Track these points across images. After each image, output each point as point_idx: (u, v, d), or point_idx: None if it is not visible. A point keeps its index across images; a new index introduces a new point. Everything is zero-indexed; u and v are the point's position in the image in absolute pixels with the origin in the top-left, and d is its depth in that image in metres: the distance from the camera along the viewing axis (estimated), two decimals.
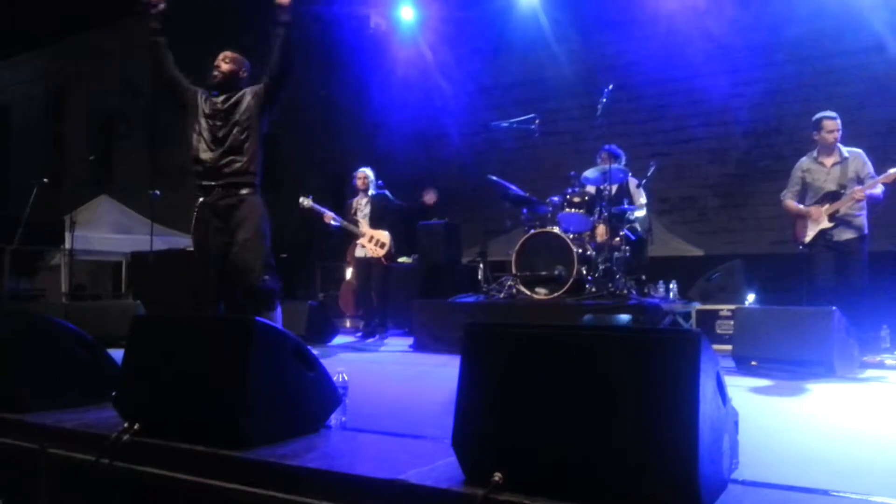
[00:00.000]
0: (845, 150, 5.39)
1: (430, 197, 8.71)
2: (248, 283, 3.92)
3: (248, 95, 4.08)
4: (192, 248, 4.24)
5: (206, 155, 4.00)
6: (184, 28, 4.20)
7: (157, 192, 9.27)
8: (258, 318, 2.38)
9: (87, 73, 16.12)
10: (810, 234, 5.37)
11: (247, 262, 3.93)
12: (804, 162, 5.55)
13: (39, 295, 11.15)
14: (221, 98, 4.08)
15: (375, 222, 7.24)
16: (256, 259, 3.94)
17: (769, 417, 3.13)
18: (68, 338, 3.01)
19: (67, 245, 10.10)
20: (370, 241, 7.19)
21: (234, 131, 4.01)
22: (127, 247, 11.16)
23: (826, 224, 5.29)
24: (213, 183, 4.00)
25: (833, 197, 5.30)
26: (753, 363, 4.48)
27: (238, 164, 4.00)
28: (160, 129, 14.16)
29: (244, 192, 4.02)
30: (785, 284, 6.78)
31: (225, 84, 4.10)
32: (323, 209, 7.12)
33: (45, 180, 8.72)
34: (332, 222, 7.15)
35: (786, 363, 4.35)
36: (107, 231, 11.54)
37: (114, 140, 15.70)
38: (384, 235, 7.19)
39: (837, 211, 5.27)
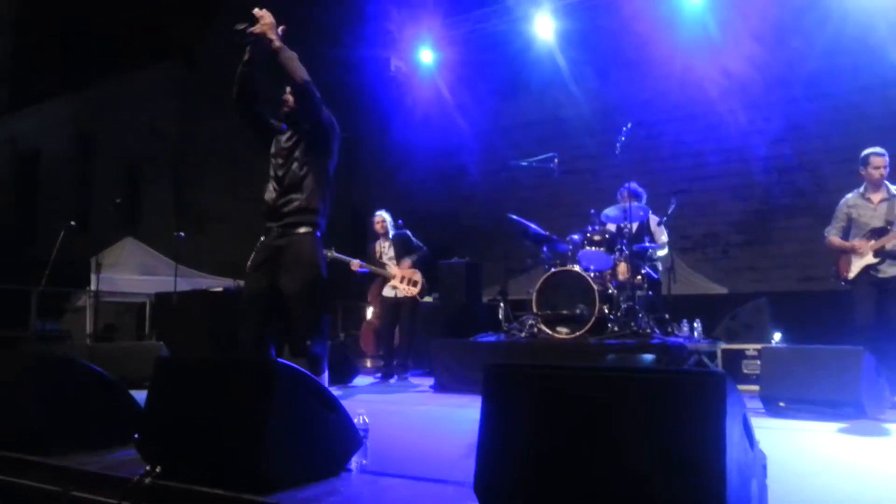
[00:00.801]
0: (893, 187, 5.36)
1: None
2: (294, 345, 3.74)
3: (307, 131, 3.86)
4: (215, 290, 4.17)
5: (269, 196, 3.84)
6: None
7: (182, 234, 9.40)
8: (279, 360, 2.38)
9: (115, 117, 16.53)
10: (854, 270, 5.30)
11: (293, 322, 3.70)
12: (850, 198, 5.50)
13: (65, 336, 11.28)
14: (286, 136, 3.90)
15: (401, 260, 7.27)
16: (301, 319, 3.70)
17: (799, 461, 3.06)
18: (92, 379, 3.03)
19: (93, 287, 10.25)
20: (402, 280, 7.20)
21: (293, 167, 3.81)
22: (151, 288, 11.29)
23: (871, 259, 5.23)
24: (273, 224, 3.82)
25: (879, 233, 5.25)
26: (781, 404, 4.38)
27: (296, 203, 3.78)
28: (186, 172, 14.45)
29: (301, 230, 3.78)
30: (812, 323, 6.68)
31: (291, 117, 3.91)
32: (348, 258, 7.14)
33: (73, 223, 8.88)
34: (359, 269, 7.17)
35: (815, 404, 4.25)
36: (132, 273, 11.69)
37: (140, 183, 16.01)
38: (416, 274, 7.21)
39: (884, 247, 5.20)
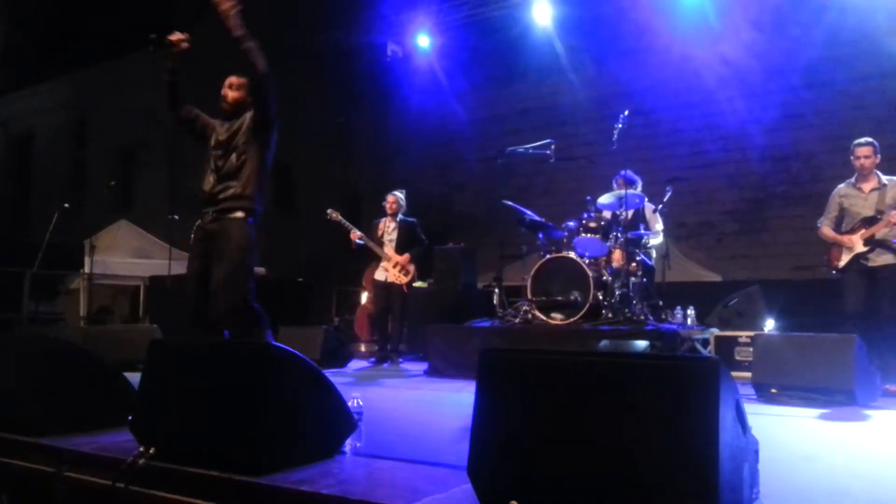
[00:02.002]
0: (885, 177, 5.37)
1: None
2: (221, 325, 3.79)
3: (246, 120, 3.98)
4: None
5: (206, 185, 3.97)
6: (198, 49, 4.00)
7: (176, 217, 9.36)
8: (274, 344, 2.38)
9: (109, 101, 16.42)
10: (845, 259, 5.34)
11: (218, 309, 3.76)
12: (842, 188, 5.53)
13: (58, 319, 11.25)
14: (224, 127, 4.01)
15: (402, 248, 7.22)
16: (227, 305, 3.76)
17: (790, 447, 3.07)
18: (86, 362, 3.03)
19: (87, 269, 10.21)
20: (395, 266, 7.17)
21: (231, 157, 3.93)
22: (145, 271, 11.26)
23: (861, 248, 5.26)
24: (208, 209, 3.94)
25: (870, 222, 5.28)
26: (774, 391, 4.40)
27: (232, 190, 3.90)
28: (180, 155, 14.37)
29: (231, 216, 3.88)
30: (805, 310, 6.71)
31: (233, 113, 4.01)
32: (351, 226, 7.11)
33: (66, 206, 8.84)
34: (358, 241, 7.14)
35: (807, 391, 4.28)
36: (126, 255, 11.65)
37: (134, 167, 15.94)
38: (410, 265, 7.18)
39: (873, 235, 5.23)
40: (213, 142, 4.02)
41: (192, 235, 4.01)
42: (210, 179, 3.99)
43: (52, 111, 18.48)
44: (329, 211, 7.04)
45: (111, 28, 15.60)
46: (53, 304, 11.64)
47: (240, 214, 3.90)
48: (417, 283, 7.88)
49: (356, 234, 7.08)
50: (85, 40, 16.80)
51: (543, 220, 6.66)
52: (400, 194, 7.40)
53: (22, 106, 19.33)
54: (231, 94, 4.01)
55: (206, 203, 3.97)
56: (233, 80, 4.04)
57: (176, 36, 3.85)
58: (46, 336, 3.29)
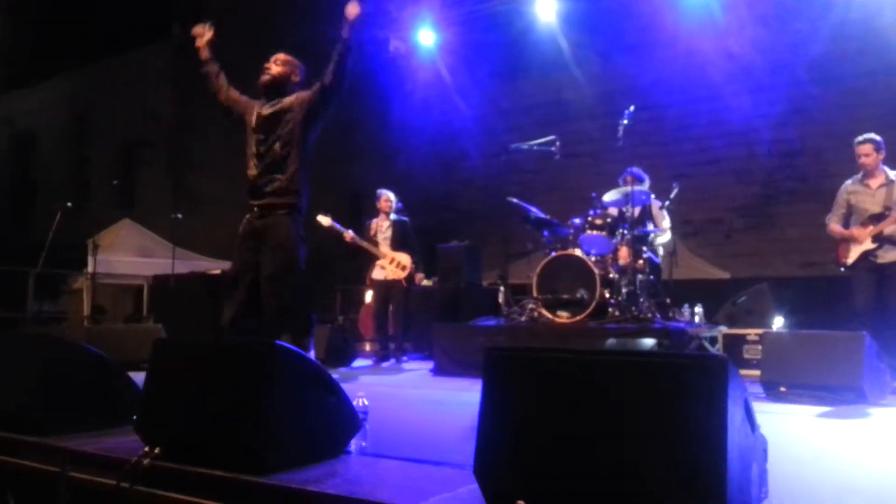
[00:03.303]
0: (892, 172, 5.34)
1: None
2: (273, 326, 3.73)
3: (294, 104, 3.84)
4: (213, 272, 4.18)
5: (251, 172, 3.85)
6: (236, 31, 4.02)
7: (180, 216, 9.35)
8: (279, 343, 2.37)
9: (111, 99, 16.45)
10: (853, 256, 5.32)
11: (270, 307, 3.72)
12: (849, 184, 5.51)
13: (62, 318, 11.27)
14: (266, 107, 3.87)
15: (397, 245, 7.24)
16: (275, 301, 3.73)
17: (799, 445, 3.05)
18: (90, 361, 3.02)
19: (90, 269, 10.22)
20: (391, 262, 7.18)
21: (275, 146, 3.80)
22: (149, 270, 11.25)
23: (869, 245, 5.25)
24: (255, 202, 3.85)
25: (878, 219, 5.26)
26: (782, 389, 4.38)
27: (277, 183, 3.80)
28: (182, 154, 14.38)
29: (280, 212, 3.80)
30: (814, 308, 6.67)
31: (272, 88, 3.88)
32: (343, 228, 7.12)
33: (69, 204, 8.84)
34: (352, 241, 7.14)
35: (816, 389, 4.25)
36: (129, 254, 11.65)
37: (136, 165, 15.96)
38: (405, 258, 7.20)
39: (881, 232, 5.20)
40: (253, 123, 3.89)
41: (241, 230, 3.92)
42: (252, 165, 3.87)
43: (55, 109, 18.52)
44: (319, 218, 6.93)
45: (112, 25, 15.61)
46: (57, 304, 11.67)
47: (286, 211, 3.82)
48: (425, 282, 7.88)
49: (349, 236, 7.11)
50: (86, 37, 16.81)
51: (549, 217, 6.64)
52: (390, 193, 7.47)
53: (25, 104, 19.38)
54: (274, 69, 3.90)
55: (251, 193, 3.87)
56: (280, 55, 3.95)
57: (198, 30, 3.84)
58: (51, 335, 3.28)
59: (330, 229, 7.05)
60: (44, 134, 19.14)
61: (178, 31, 3.80)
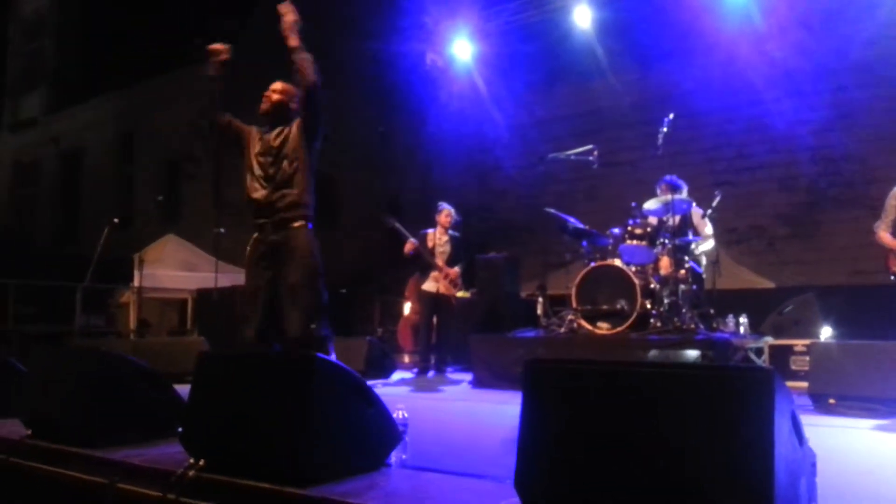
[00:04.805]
0: None
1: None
2: (296, 336, 3.77)
3: (294, 127, 4.00)
4: None
5: (258, 194, 3.95)
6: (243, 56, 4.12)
7: (223, 230, 9.51)
8: (320, 355, 2.39)
9: (155, 116, 16.86)
10: None
11: (292, 316, 3.77)
12: None
13: (109, 331, 11.54)
14: (273, 134, 4.01)
15: (452, 261, 7.27)
16: (304, 310, 3.78)
17: (850, 459, 2.97)
18: (136, 374, 3.08)
19: (136, 283, 10.46)
20: (446, 277, 7.20)
21: (283, 164, 3.92)
22: (193, 284, 11.48)
23: None
24: (266, 220, 3.93)
25: None
26: (831, 401, 4.26)
27: (289, 198, 3.90)
28: (224, 168, 14.65)
29: (295, 224, 3.90)
30: (862, 317, 6.47)
31: (273, 115, 4.02)
32: (408, 235, 7.14)
33: (116, 220, 9.07)
34: (411, 252, 7.17)
35: (866, 401, 4.13)
36: (173, 269, 11.89)
37: (181, 180, 16.30)
38: (459, 277, 7.25)
39: None
40: (258, 148, 4.01)
41: (250, 249, 4.00)
42: (258, 187, 3.97)
43: (101, 126, 19.03)
44: (388, 218, 7.05)
45: (157, 44, 16.02)
46: (104, 318, 11.96)
47: (301, 222, 3.93)
48: (460, 294, 7.90)
49: (411, 245, 7.11)
50: (131, 57, 17.29)
51: (587, 227, 6.58)
52: (452, 209, 7.46)
53: (71, 122, 19.96)
54: (274, 97, 4.03)
55: (261, 213, 3.95)
56: (278, 84, 4.08)
57: (217, 46, 3.96)
58: (99, 349, 3.36)
59: (394, 231, 7.09)
60: (90, 151, 19.68)
61: (198, 43, 3.88)
